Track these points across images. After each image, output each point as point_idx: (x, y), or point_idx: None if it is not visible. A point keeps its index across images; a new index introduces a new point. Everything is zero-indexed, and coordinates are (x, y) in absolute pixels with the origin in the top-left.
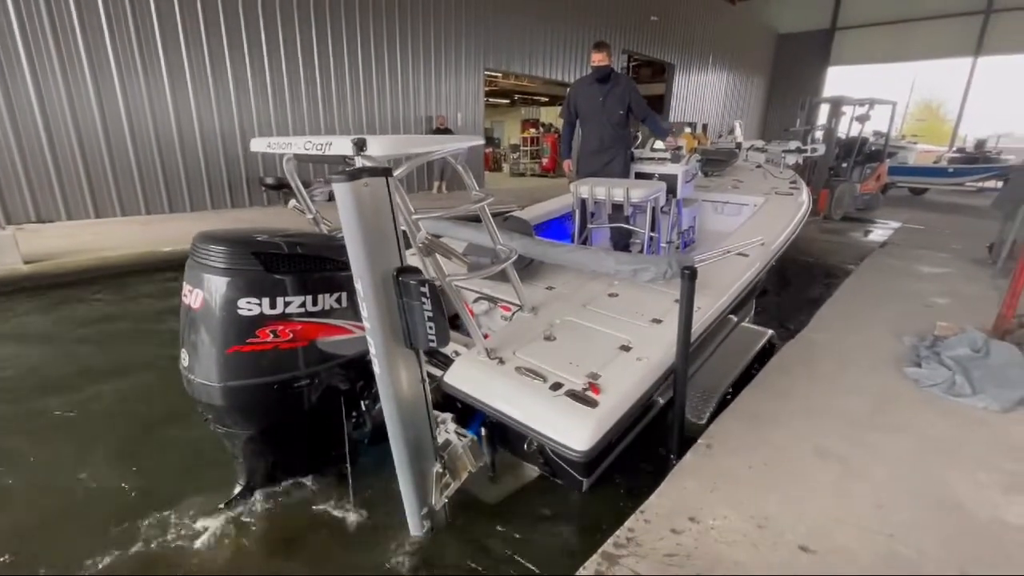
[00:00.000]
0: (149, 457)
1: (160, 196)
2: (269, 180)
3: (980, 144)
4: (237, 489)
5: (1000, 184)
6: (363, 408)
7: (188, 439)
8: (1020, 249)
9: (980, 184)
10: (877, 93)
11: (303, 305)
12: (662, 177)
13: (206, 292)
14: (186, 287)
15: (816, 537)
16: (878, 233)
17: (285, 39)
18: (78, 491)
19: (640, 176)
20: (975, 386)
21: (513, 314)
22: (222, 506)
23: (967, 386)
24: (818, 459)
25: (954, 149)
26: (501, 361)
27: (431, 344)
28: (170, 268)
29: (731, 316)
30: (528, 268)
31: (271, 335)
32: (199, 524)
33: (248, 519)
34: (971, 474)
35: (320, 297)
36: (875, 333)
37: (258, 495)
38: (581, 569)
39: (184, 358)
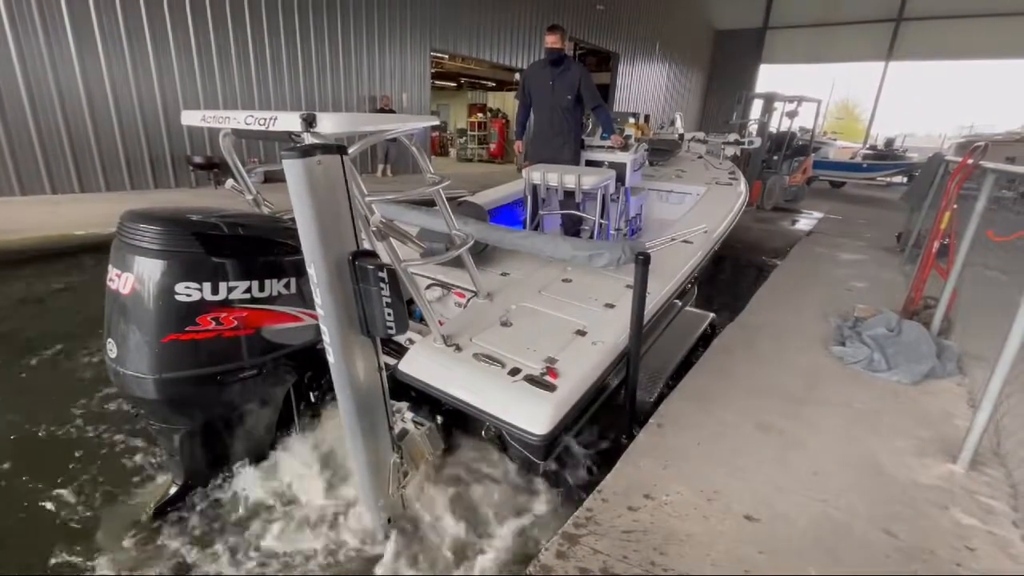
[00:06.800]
0: None
1: (68, 173)
2: (198, 159)
3: (889, 143)
4: (173, 489)
5: (905, 179)
6: (312, 399)
7: None
8: (925, 238)
9: (889, 179)
10: (802, 91)
11: (248, 291)
12: (612, 165)
13: (137, 276)
14: (113, 271)
15: (760, 506)
16: (804, 223)
17: (213, 4)
18: None
19: (590, 164)
20: (890, 362)
21: (468, 300)
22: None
23: (883, 362)
24: (760, 433)
25: (867, 146)
26: (458, 348)
27: (389, 332)
28: (86, 253)
29: (676, 301)
30: (482, 254)
31: (213, 323)
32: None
33: (186, 518)
34: (890, 441)
35: (267, 282)
36: (805, 315)
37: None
38: (543, 550)
39: (111, 349)
